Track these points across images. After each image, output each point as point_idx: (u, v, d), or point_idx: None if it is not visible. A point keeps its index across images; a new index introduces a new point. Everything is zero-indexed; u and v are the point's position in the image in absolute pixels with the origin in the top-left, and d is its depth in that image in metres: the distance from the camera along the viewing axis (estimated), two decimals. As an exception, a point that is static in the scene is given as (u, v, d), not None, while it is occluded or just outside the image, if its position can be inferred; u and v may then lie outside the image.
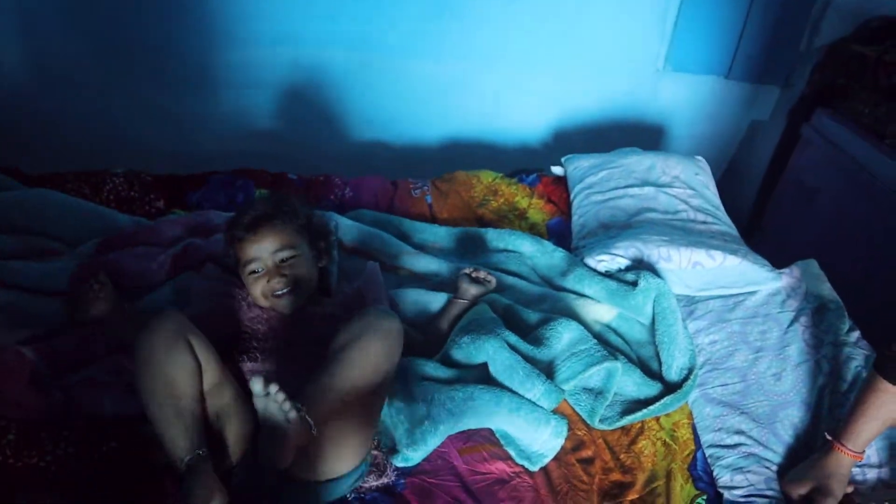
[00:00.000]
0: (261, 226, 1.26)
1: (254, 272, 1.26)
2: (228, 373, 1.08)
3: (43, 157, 1.97)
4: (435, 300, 1.43)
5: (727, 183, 2.08)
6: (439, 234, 1.71)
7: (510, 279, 1.55)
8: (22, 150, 2.00)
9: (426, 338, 1.36)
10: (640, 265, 1.58)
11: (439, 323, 1.38)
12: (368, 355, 1.01)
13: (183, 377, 0.97)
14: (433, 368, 1.25)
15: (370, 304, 1.28)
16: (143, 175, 1.78)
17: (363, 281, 1.34)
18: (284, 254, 1.27)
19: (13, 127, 2.21)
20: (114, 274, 1.37)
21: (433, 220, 1.84)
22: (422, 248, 1.67)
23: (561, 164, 2.07)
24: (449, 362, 1.28)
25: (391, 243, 1.60)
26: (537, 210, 1.91)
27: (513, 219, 1.86)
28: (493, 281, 1.39)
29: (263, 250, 1.26)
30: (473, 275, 1.39)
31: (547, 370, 1.27)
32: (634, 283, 1.49)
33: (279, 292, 1.26)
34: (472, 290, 1.38)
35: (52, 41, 2.10)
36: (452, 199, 1.89)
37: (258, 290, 1.26)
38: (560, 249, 1.64)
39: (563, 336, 1.32)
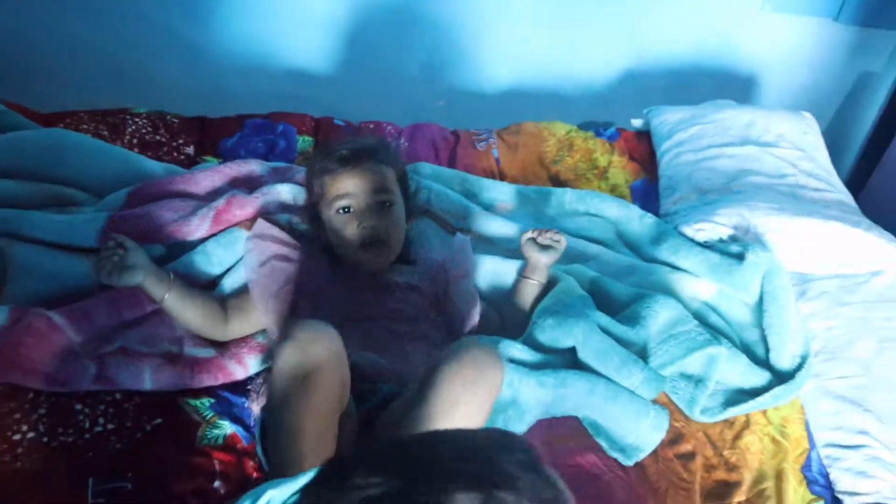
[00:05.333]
0: (363, 159, 1.25)
1: (345, 209, 1.24)
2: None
3: (43, 93, 1.92)
4: (512, 271, 1.43)
5: (826, 140, 1.91)
6: (509, 193, 1.70)
7: (594, 248, 1.55)
8: (21, 86, 1.94)
9: (505, 318, 1.35)
10: (746, 236, 1.55)
11: (518, 302, 1.37)
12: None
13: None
14: (521, 351, 1.24)
15: (454, 281, 1.28)
16: (169, 116, 1.77)
17: (452, 255, 1.33)
18: (383, 196, 1.27)
19: (10, 58, 2.17)
20: (148, 229, 1.35)
21: (501, 177, 1.84)
22: (490, 208, 1.66)
23: (642, 117, 2.04)
24: (533, 345, 1.27)
25: (457, 202, 1.59)
26: (619, 169, 1.89)
27: (592, 178, 1.86)
28: (564, 240, 1.35)
29: (360, 187, 1.25)
30: (539, 238, 1.35)
31: (640, 354, 1.27)
32: (739, 257, 1.47)
33: (371, 240, 1.25)
34: (543, 260, 1.34)
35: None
36: (522, 153, 1.88)
37: (349, 230, 1.24)
38: (650, 215, 1.64)
39: (660, 315, 1.32)
